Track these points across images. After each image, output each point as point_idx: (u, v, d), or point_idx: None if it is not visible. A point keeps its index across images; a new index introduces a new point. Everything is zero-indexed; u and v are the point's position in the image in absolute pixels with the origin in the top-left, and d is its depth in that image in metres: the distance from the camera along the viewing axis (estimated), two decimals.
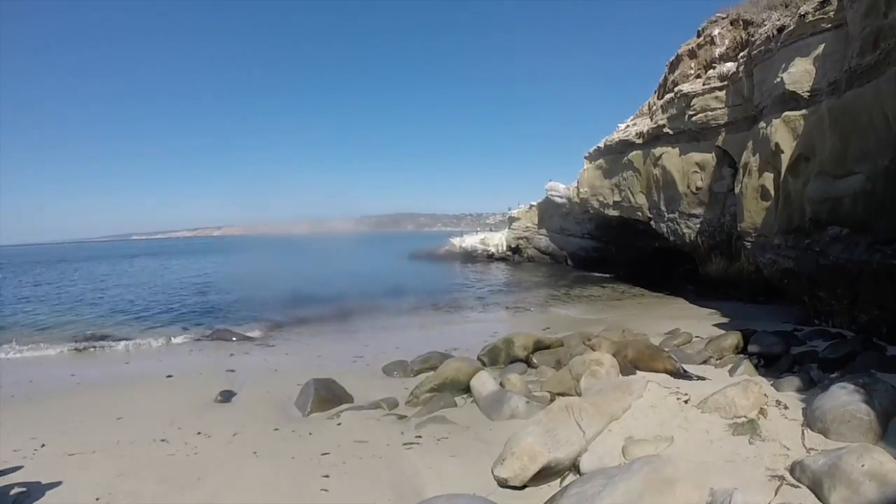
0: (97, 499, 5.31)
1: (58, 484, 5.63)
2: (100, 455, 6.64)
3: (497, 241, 43.23)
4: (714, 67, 18.47)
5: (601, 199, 27.44)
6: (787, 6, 14.04)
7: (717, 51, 18.95)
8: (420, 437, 6.88)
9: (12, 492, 5.44)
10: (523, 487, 5.14)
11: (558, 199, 33.29)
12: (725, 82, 17.38)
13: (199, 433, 7.45)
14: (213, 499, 5.30)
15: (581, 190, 29.25)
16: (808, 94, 12.22)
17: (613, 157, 26.01)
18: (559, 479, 5.29)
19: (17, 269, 59.67)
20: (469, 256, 44.22)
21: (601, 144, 27.47)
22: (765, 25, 14.43)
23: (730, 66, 17.25)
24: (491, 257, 42.58)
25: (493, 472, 5.30)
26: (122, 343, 15.58)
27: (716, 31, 19.20)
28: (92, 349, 15.04)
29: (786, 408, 5.98)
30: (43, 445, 7.03)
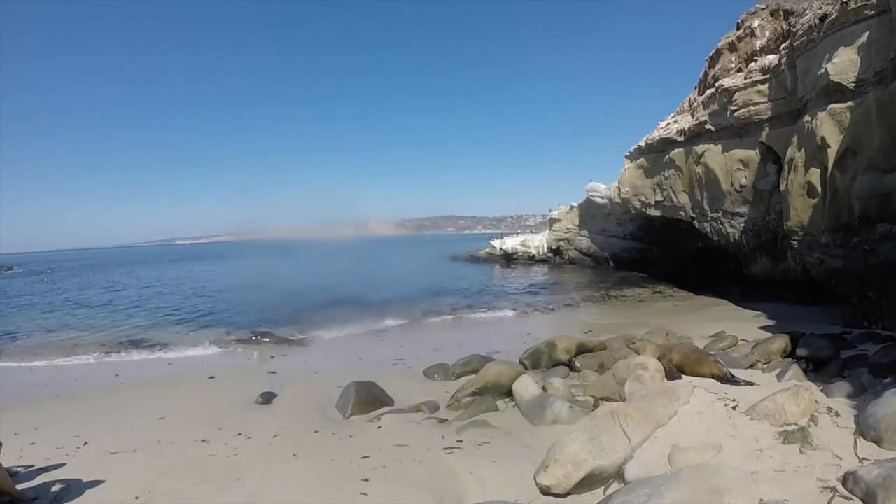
0: (136, 497, 5.34)
1: (99, 482, 5.68)
2: (141, 454, 6.73)
3: (538, 242, 43.02)
4: (755, 60, 18.00)
5: (643, 198, 27.03)
6: None
7: (758, 43, 18.49)
8: (461, 441, 6.79)
9: (53, 488, 5.49)
10: (566, 495, 5.02)
11: (599, 200, 32.93)
12: (767, 75, 16.91)
13: (239, 434, 7.54)
14: (251, 499, 5.29)
15: (622, 190, 28.88)
16: (854, 84, 11.79)
17: (655, 155, 25.59)
18: (603, 488, 5.17)
19: (69, 272, 62.73)
20: (509, 258, 44.15)
21: (642, 143, 27.05)
22: (806, 15, 14.02)
23: (771, 59, 16.80)
24: (531, 259, 42.39)
25: (535, 479, 5.19)
26: (166, 345, 16.21)
27: (756, 23, 18.74)
28: (136, 350, 15.67)
29: (837, 415, 5.74)
30: (85, 443, 7.18)
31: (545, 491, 5.07)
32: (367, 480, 5.64)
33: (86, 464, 6.26)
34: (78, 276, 55.24)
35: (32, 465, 6.13)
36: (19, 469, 5.98)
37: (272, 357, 14.17)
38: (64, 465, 6.22)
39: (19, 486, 5.27)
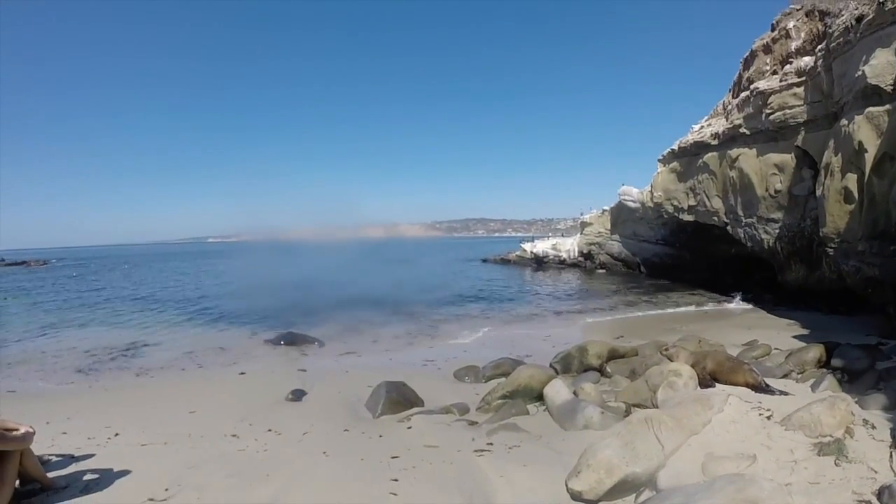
0: (166, 489, 5.34)
1: (128, 472, 5.70)
2: (171, 447, 6.75)
3: (569, 246, 42.80)
4: (790, 62, 17.72)
5: (675, 203, 26.74)
6: None
7: (793, 44, 18.22)
8: (491, 444, 6.76)
9: (84, 477, 5.52)
10: (598, 501, 5.00)
11: (631, 204, 32.65)
12: (803, 78, 16.61)
13: (269, 430, 7.57)
14: (280, 496, 5.30)
15: (655, 194, 28.60)
16: (892, 87, 11.54)
17: (688, 159, 25.30)
18: (634, 495, 5.14)
19: (102, 267, 65.07)
20: (540, 262, 44.07)
21: (675, 147, 26.77)
22: (842, 16, 13.75)
23: (807, 61, 16.51)
24: (562, 263, 42.23)
25: (566, 484, 5.15)
26: (195, 341, 16.58)
27: (791, 24, 18.44)
28: (166, 346, 16.01)
29: (873, 427, 5.68)
30: (116, 434, 7.22)
31: (576, 496, 5.04)
32: (396, 480, 5.65)
33: (116, 454, 6.32)
34: (111, 272, 57.21)
35: (64, 454, 6.21)
36: (51, 457, 6.06)
37: (303, 355, 14.36)
38: (94, 455, 6.28)
39: (51, 474, 5.28)
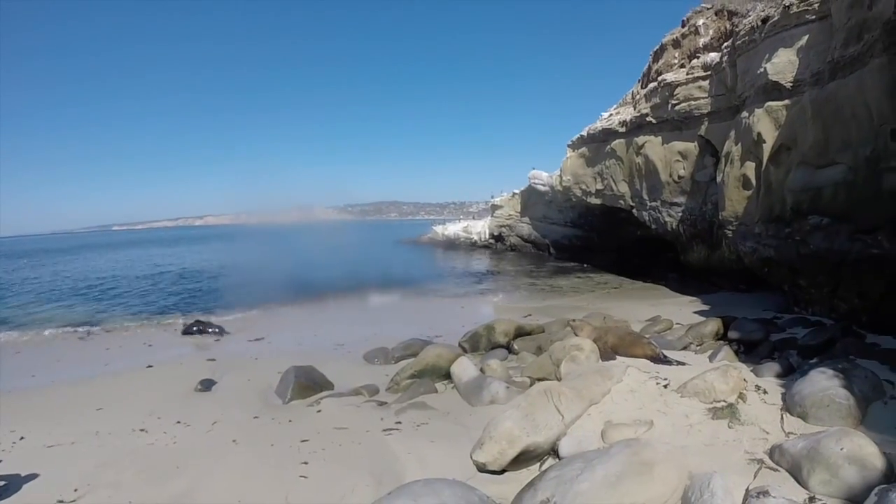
0: (75, 490, 5.26)
1: (36, 476, 5.60)
2: (79, 446, 6.63)
3: (480, 228, 43.20)
4: (698, 57, 18.48)
5: (584, 187, 27.47)
6: None
7: (702, 41, 18.97)
8: (400, 423, 6.86)
9: None
10: (502, 472, 5.09)
11: (541, 188, 33.26)
12: (709, 72, 17.39)
13: (178, 422, 7.44)
14: (192, 487, 5.26)
15: (564, 178, 29.24)
16: (791, 84, 12.29)
17: (596, 145, 26.01)
18: (538, 464, 5.25)
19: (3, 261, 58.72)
20: (452, 244, 44.24)
21: (584, 133, 27.43)
22: (749, 16, 14.47)
23: (714, 56, 17.27)
24: (473, 245, 42.59)
25: (471, 457, 5.25)
26: (104, 333, 15.46)
27: (700, 21, 19.22)
28: (74, 339, 14.88)
29: (765, 392, 5.99)
30: (22, 438, 6.98)
31: (481, 468, 5.13)
32: (306, 463, 5.68)
33: (23, 458, 6.20)
34: (11, 265, 51.84)
35: None
36: None
37: (215, 341, 13.91)
38: (0, 461, 6.11)
39: None
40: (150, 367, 11.15)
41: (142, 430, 7.19)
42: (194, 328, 15.08)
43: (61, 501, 5.06)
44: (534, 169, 34.52)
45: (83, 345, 14.49)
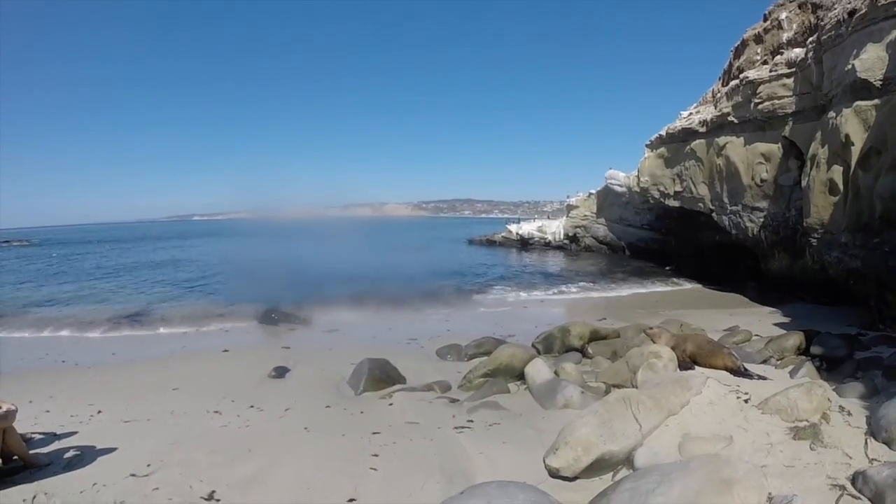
0: (148, 465, 5.33)
1: (112, 449, 5.69)
2: (154, 423, 6.77)
3: (554, 228, 42.89)
4: (781, 53, 17.73)
5: (662, 188, 26.84)
6: None
7: (785, 35, 18.18)
8: (472, 421, 6.85)
9: (66, 454, 5.51)
10: (574, 479, 5.01)
11: (618, 188, 32.72)
12: (793, 69, 16.64)
13: (251, 406, 7.60)
14: (262, 471, 5.30)
15: (641, 179, 28.66)
16: (881, 82, 11.61)
17: (675, 145, 25.35)
18: (612, 473, 5.16)
19: (87, 246, 64.22)
20: (525, 243, 44.12)
21: (663, 133, 26.79)
22: (835, 9, 13.75)
23: (798, 52, 16.53)
24: (548, 245, 42.33)
25: (544, 462, 5.17)
26: (182, 316, 16.63)
27: (783, 15, 18.39)
28: (151, 324, 15.99)
29: (849, 414, 5.71)
30: (99, 412, 7.21)
31: (554, 473, 5.06)
32: (376, 455, 5.69)
33: (99, 432, 6.30)
34: (97, 251, 56.17)
35: (47, 432, 6.19)
36: (34, 435, 6.02)
37: (287, 332, 14.42)
38: (77, 432, 6.25)
39: (33, 452, 5.36)
40: (225, 351, 11.81)
41: (216, 411, 7.32)
42: (272, 316, 15.83)
43: (134, 475, 5.10)
44: (611, 169, 34.07)
45: (162, 326, 15.59)
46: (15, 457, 5.00)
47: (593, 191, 37.85)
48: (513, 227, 47.36)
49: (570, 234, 40.63)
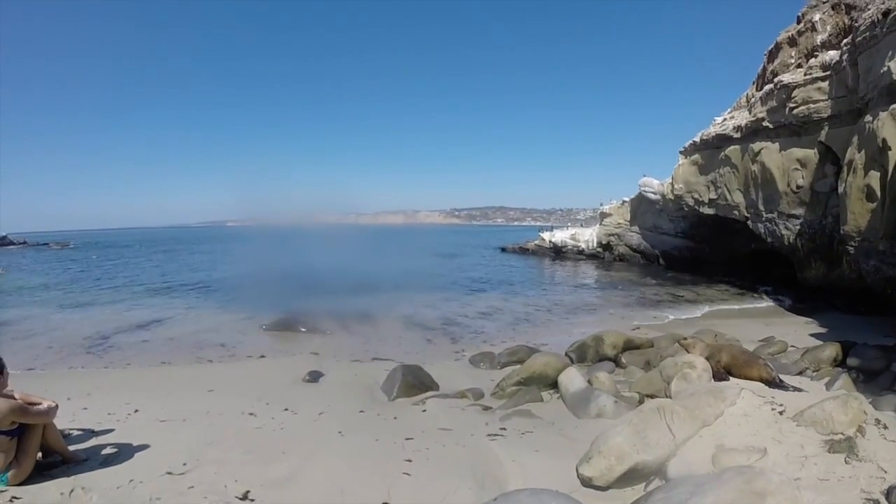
0: (184, 464, 5.34)
1: (147, 447, 5.71)
2: (190, 423, 6.78)
3: (587, 236, 42.62)
4: (816, 56, 17.44)
5: (696, 196, 26.52)
6: None
7: (819, 38, 17.91)
8: (504, 429, 6.86)
9: (103, 451, 5.53)
10: (607, 488, 5.00)
11: (652, 196, 32.40)
12: (828, 72, 16.36)
13: (286, 409, 7.65)
14: (296, 473, 5.31)
15: (675, 186, 28.37)
16: None
17: (710, 152, 25.05)
18: (644, 483, 5.15)
19: (123, 250, 65.97)
20: (558, 252, 43.98)
21: (697, 139, 26.52)
22: (869, 9, 13.51)
23: (833, 55, 16.24)
24: (581, 253, 42.10)
25: (577, 470, 5.15)
26: (217, 321, 17.09)
27: (817, 17, 18.11)
28: (190, 323, 16.63)
29: (885, 427, 5.60)
30: (136, 411, 7.25)
31: (586, 482, 5.06)
32: (410, 461, 5.71)
33: (135, 430, 6.31)
34: (131, 255, 58.06)
35: (85, 429, 6.23)
36: (72, 431, 6.07)
37: (321, 339, 14.65)
38: (114, 430, 6.28)
39: (71, 447, 5.39)
40: (262, 357, 12.14)
41: (251, 413, 7.35)
42: (305, 323, 16.05)
43: (170, 473, 5.12)
44: (644, 176, 33.74)
45: (196, 329, 15.99)
46: (55, 451, 5.13)
47: (627, 198, 37.56)
48: (546, 235, 47.25)
49: (604, 243, 40.33)
